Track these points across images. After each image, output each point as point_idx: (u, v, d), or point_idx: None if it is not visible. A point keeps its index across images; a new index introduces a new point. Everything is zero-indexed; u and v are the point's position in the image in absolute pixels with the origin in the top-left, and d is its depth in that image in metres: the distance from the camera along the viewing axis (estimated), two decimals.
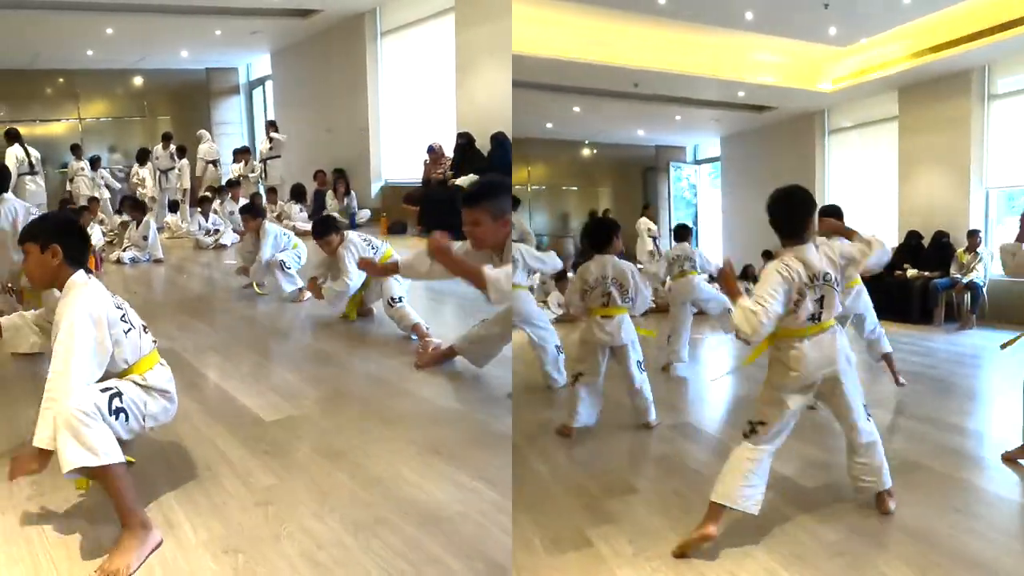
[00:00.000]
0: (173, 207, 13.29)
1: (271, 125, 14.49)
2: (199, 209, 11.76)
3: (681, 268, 6.60)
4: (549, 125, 14.10)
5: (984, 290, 8.73)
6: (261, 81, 17.59)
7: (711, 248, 14.93)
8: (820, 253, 3.05)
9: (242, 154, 14.77)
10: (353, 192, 12.65)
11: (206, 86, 17.82)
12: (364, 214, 12.45)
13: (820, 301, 2.99)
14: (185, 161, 14.25)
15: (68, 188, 14.13)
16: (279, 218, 12.01)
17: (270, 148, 14.12)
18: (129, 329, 2.81)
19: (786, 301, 2.93)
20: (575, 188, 16.97)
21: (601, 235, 4.65)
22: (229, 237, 11.20)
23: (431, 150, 11.08)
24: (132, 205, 10.68)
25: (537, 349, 5.49)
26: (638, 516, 3.35)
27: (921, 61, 9.17)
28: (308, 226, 10.75)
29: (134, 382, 2.78)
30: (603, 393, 4.66)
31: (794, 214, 3.11)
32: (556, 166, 16.61)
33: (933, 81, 9.77)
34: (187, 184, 14.13)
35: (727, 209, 15.26)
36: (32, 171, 11.77)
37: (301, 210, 12.49)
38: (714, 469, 3.95)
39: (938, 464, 3.89)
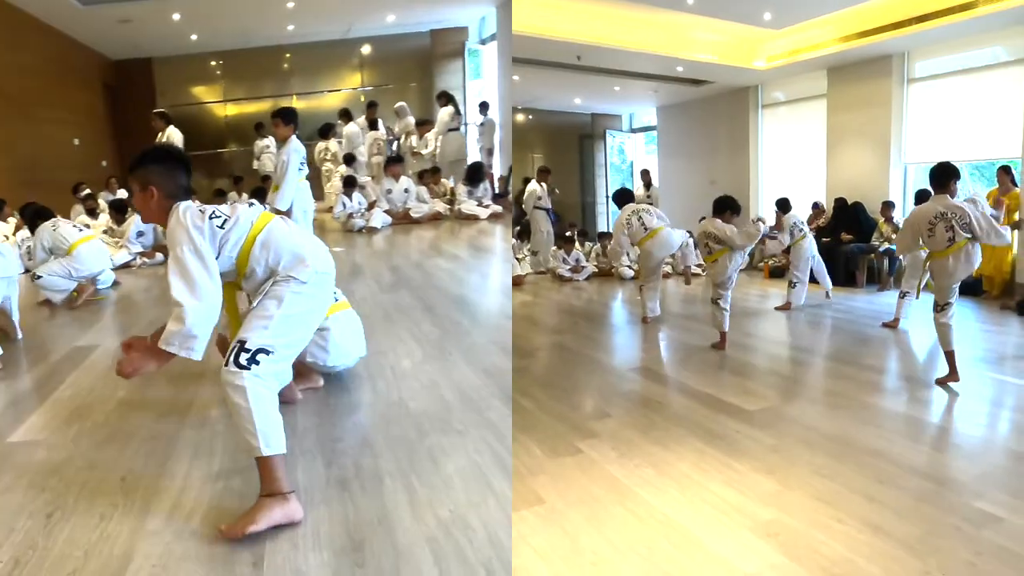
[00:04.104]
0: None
1: (444, 98, 13.31)
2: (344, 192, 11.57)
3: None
4: None
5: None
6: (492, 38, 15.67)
7: None
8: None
9: (422, 127, 13.67)
10: None
11: (430, 50, 16.55)
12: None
13: (951, 231, 5.06)
14: (373, 133, 13.68)
15: (255, 166, 14.28)
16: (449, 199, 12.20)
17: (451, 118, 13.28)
18: None
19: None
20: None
21: (721, 207, 6.65)
22: (379, 219, 10.92)
23: (815, 206, 11.42)
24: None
25: None
26: (616, 432, 4.41)
27: (848, 45, 10.34)
28: (478, 211, 11.28)
29: None
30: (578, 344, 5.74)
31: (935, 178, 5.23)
32: None
33: (858, 63, 10.96)
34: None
35: (663, 176, 16.36)
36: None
37: (471, 192, 11.85)
38: (669, 399, 5.14)
39: (853, 391, 5.12)
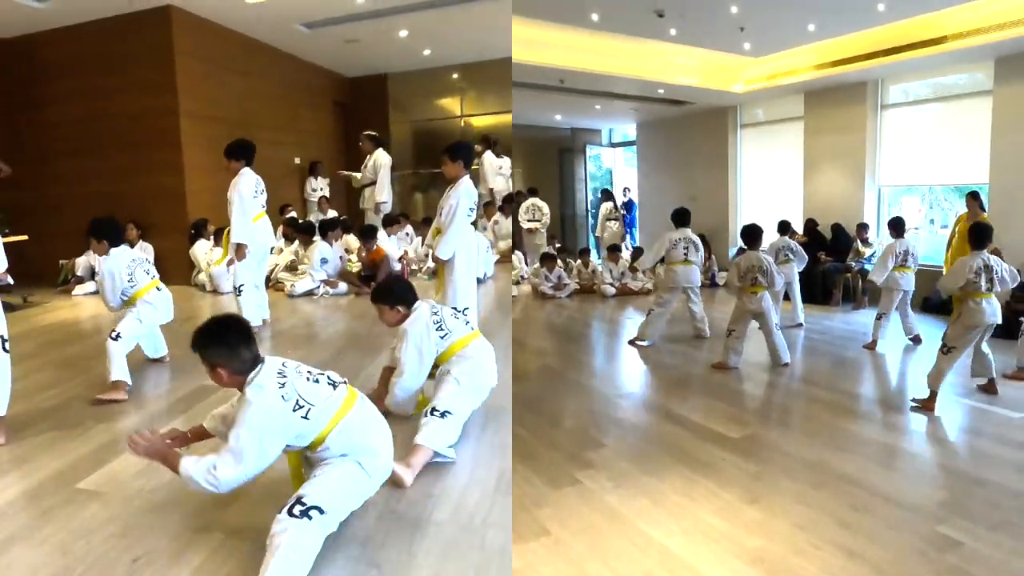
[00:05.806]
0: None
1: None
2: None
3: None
4: None
5: None
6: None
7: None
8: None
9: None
10: (713, 256, 13.48)
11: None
12: (723, 275, 13.10)
13: (990, 280, 5.63)
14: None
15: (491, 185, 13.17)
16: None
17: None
18: None
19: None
20: None
21: (753, 236, 7.28)
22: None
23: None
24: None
25: None
26: (611, 462, 4.80)
27: (824, 73, 10.86)
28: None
29: None
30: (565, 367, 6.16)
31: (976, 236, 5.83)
32: None
33: (834, 89, 11.48)
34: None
35: (642, 192, 16.84)
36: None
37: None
38: (658, 427, 5.54)
39: (829, 416, 5.61)
